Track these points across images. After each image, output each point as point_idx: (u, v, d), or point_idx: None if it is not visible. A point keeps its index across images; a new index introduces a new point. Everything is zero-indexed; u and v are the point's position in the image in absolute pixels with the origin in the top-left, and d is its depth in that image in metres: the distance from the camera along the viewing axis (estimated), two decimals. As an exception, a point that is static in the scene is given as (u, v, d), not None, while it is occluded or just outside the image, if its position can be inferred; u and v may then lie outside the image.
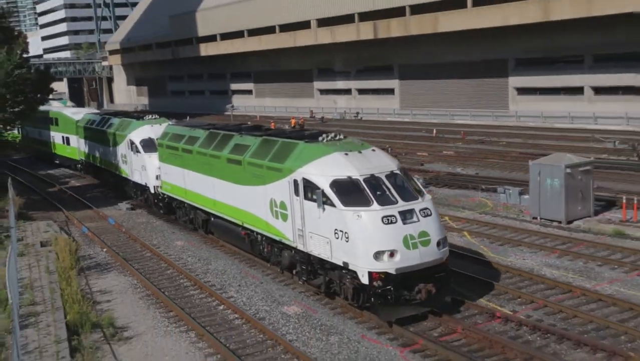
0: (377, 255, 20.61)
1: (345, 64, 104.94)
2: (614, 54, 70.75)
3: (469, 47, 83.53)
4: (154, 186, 39.18)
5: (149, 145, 40.23)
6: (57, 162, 66.29)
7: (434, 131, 74.01)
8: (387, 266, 20.63)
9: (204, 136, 32.67)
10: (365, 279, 20.84)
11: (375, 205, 21.33)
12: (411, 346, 20.88)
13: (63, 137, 61.93)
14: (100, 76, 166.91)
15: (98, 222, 40.91)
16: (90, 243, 35.94)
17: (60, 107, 73.24)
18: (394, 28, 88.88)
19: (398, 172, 23.50)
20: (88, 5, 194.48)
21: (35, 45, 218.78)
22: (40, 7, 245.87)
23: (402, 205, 21.69)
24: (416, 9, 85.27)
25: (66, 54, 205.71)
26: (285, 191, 24.59)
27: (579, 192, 32.77)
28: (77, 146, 57.90)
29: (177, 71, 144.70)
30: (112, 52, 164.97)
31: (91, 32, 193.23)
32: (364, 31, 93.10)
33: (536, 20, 72.03)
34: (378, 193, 21.94)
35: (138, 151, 40.80)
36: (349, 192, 21.98)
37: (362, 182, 22.00)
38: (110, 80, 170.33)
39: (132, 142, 41.77)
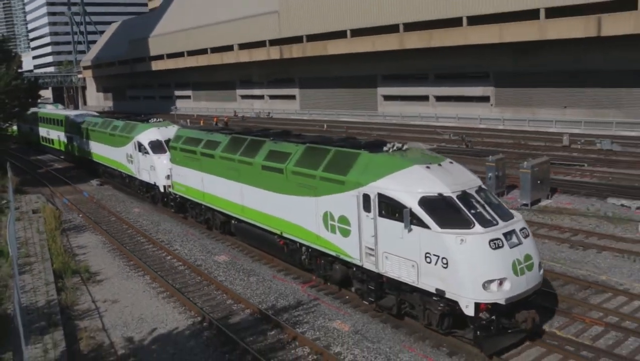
0: (486, 284, 14.47)
1: (260, 77, 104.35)
2: (448, 73, 72.64)
3: (349, 66, 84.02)
4: (164, 186, 32.16)
5: (157, 147, 33.26)
6: (62, 157, 57.35)
7: (325, 126, 74.36)
8: (497, 296, 14.51)
9: (227, 140, 25.13)
10: (470, 311, 14.60)
11: (477, 227, 14.92)
12: (309, 283, 21.18)
13: (67, 136, 52.17)
14: (77, 85, 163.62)
15: (75, 195, 39.75)
16: (70, 211, 35.02)
17: (64, 110, 63.42)
18: (295, 51, 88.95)
19: (484, 187, 17.18)
20: (67, 33, 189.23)
21: (28, 63, 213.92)
22: (32, 34, 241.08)
23: (503, 226, 15.37)
24: (310, 38, 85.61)
25: (51, 69, 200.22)
26: (348, 206, 17.55)
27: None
28: (79, 145, 48.43)
29: (134, 82, 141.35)
30: (85, 68, 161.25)
31: (70, 52, 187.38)
32: (273, 53, 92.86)
33: (395, 48, 73.28)
34: (472, 211, 15.44)
35: (147, 152, 33.51)
36: (443, 211, 15.33)
37: (456, 200, 15.48)
38: (84, 88, 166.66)
39: (139, 144, 34.33)
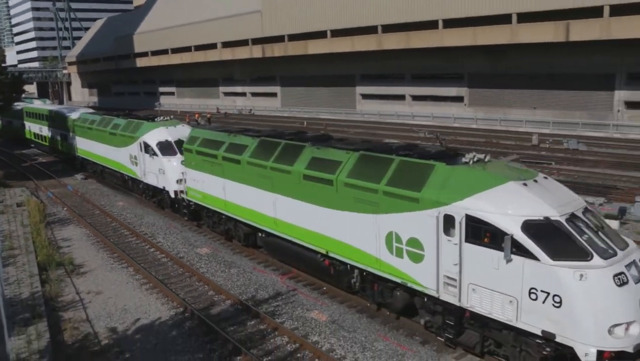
0: (612, 329, 11.63)
1: (242, 75, 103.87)
2: (424, 74, 72.99)
3: (329, 65, 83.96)
4: (175, 191, 28.50)
5: (166, 148, 29.51)
6: (55, 155, 52.48)
7: (305, 123, 74.30)
8: (624, 342, 11.67)
9: (255, 144, 21.67)
10: (591, 358, 11.71)
11: (597, 259, 12.06)
12: (288, 275, 21.24)
13: (61, 134, 47.80)
14: (62, 80, 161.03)
15: (60, 188, 39.30)
16: (54, 204, 34.62)
17: (54, 105, 56.01)
18: (277, 50, 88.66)
19: (590, 208, 14.16)
20: (52, 29, 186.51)
21: (11, 57, 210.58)
22: (16, 29, 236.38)
23: (623, 256, 12.45)
24: (292, 37, 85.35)
25: (35, 64, 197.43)
26: (422, 227, 14.38)
27: None
28: (74, 143, 44.37)
29: (119, 78, 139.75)
30: (70, 63, 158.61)
31: (54, 48, 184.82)
32: (256, 51, 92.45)
33: (374, 49, 73.40)
34: (585, 238, 12.50)
35: (154, 154, 29.80)
36: (552, 239, 12.36)
37: (566, 224, 12.52)
38: (69, 84, 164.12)
39: (146, 145, 30.64)
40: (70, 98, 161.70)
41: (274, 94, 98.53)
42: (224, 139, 23.69)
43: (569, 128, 56.71)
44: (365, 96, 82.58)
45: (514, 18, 57.83)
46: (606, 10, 51.00)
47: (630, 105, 54.87)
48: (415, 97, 75.50)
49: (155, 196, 31.94)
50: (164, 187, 29.64)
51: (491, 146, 49.46)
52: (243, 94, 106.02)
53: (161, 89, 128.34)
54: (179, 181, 27.83)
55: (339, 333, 16.35)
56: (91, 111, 47.03)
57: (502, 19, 58.68)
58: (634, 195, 29.09)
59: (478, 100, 68.03)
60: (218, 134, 24.50)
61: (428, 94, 73.59)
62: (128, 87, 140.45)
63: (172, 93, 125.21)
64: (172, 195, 28.84)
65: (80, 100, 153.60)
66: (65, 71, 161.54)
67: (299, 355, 15.26)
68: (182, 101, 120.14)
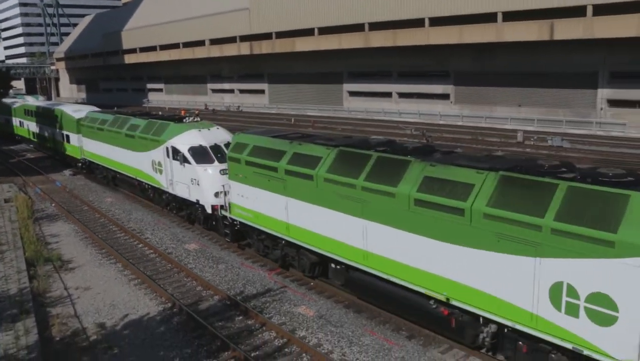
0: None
1: (230, 72, 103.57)
2: (411, 71, 73.11)
3: (316, 62, 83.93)
4: (212, 206, 24.41)
5: (201, 155, 25.24)
6: (56, 157, 47.49)
7: (292, 120, 74.31)
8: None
9: (331, 155, 17.22)
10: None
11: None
12: (275, 270, 21.24)
13: (63, 134, 43.32)
14: (50, 76, 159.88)
15: (48, 184, 39.06)
16: (42, 200, 34.40)
17: (62, 105, 47.62)
18: (264, 47, 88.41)
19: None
20: (40, 24, 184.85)
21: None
22: (3, 25, 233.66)
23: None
24: (280, 35, 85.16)
25: (23, 60, 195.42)
26: (615, 279, 10.65)
27: None
28: (80, 145, 40.10)
29: (107, 74, 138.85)
30: (58, 60, 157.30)
31: (42, 44, 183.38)
32: (244, 49, 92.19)
33: (361, 46, 73.37)
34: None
35: (186, 162, 25.56)
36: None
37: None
38: (57, 80, 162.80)
39: (174, 150, 26.39)
40: (58, 94, 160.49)
41: (261, 91, 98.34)
42: (285, 147, 19.24)
43: (553, 125, 57.11)
44: (352, 93, 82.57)
45: (499, 17, 58.03)
46: (589, 10, 51.30)
47: (613, 103, 55.30)
48: (402, 95, 75.62)
49: (182, 209, 27.92)
50: (197, 200, 25.41)
51: (477, 143, 49.69)
52: (231, 91, 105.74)
53: (149, 86, 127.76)
54: (217, 194, 24.10)
55: (326, 328, 16.39)
56: (97, 109, 43.02)
57: (488, 18, 58.87)
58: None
59: (464, 97, 68.26)
60: (276, 141, 19.99)
61: (414, 92, 73.73)
62: (116, 83, 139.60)
63: (160, 90, 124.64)
64: (208, 210, 24.77)
65: (69, 96, 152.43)
66: (53, 67, 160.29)
67: (286, 350, 15.28)
68: (170, 97, 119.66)
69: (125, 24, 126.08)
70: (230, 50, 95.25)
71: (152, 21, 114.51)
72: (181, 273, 21.40)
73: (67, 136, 42.68)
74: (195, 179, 25.24)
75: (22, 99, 66.56)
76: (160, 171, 28.38)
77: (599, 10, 50.68)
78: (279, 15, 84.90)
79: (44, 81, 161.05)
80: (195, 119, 28.79)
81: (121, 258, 22.90)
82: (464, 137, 53.65)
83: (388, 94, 77.10)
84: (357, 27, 73.54)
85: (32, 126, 53.58)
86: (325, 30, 78.27)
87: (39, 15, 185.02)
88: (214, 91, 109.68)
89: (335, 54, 78.70)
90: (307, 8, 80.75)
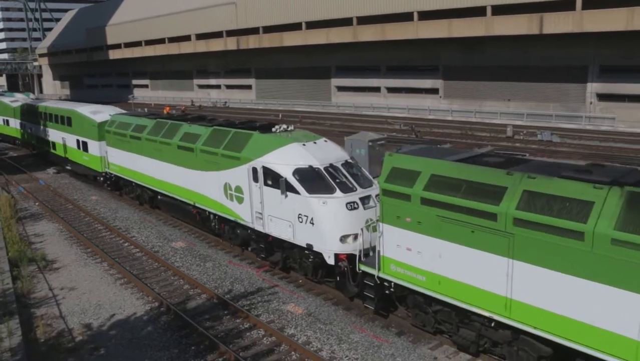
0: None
1: (217, 67, 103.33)
2: (400, 66, 73.27)
3: (304, 57, 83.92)
4: (337, 255, 17.31)
5: (314, 181, 18.13)
6: (68, 167, 39.98)
7: (280, 115, 74.21)
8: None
9: (516, 190, 12.32)
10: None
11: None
12: (263, 268, 21.26)
13: (78, 141, 36.11)
14: (32, 73, 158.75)
15: (31, 183, 38.79)
16: (26, 199, 34.16)
17: (74, 104, 40.84)
18: (252, 42, 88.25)
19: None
20: (22, 19, 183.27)
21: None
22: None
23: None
24: (267, 29, 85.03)
25: (4, 56, 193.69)
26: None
27: (378, 159, 33.36)
28: (101, 155, 33.29)
29: (91, 70, 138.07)
30: (41, 55, 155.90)
31: (24, 39, 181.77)
32: (230, 43, 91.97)
33: (349, 41, 73.41)
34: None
35: (291, 190, 18.29)
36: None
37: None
38: (40, 76, 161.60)
39: (269, 173, 19.18)
40: (41, 91, 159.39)
41: (248, 87, 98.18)
42: (507, 182, 12.65)
43: (542, 120, 57.48)
44: (340, 88, 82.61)
45: (489, 10, 58.24)
46: (579, 4, 51.60)
47: (602, 97, 55.72)
48: (391, 90, 75.78)
49: (272, 252, 20.82)
50: (308, 245, 18.20)
51: (466, 138, 49.89)
52: (217, 87, 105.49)
53: (134, 82, 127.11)
54: (343, 239, 17.27)
55: (315, 326, 16.44)
56: (120, 110, 36.95)
57: (477, 12, 59.06)
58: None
59: (453, 92, 68.49)
60: (487, 170, 13.24)
61: (403, 86, 73.92)
62: (101, 79, 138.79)
63: (145, 86, 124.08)
64: (329, 260, 17.66)
65: (52, 93, 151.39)
66: (35, 63, 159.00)
67: (275, 348, 15.31)
68: (156, 93, 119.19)
69: (110, 19, 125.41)
70: (216, 45, 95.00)
71: (137, 16, 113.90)
72: (168, 272, 21.36)
73: (84, 144, 35.47)
74: (306, 216, 18.03)
75: (10, 97, 62.28)
76: (240, 200, 21.14)
77: (589, 3, 50.99)
78: (266, 9, 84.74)
79: (27, 77, 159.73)
80: (288, 128, 21.86)
81: (107, 257, 22.80)
82: (453, 132, 53.87)
83: (377, 89, 77.25)
84: (346, 22, 73.54)
85: (35, 130, 46.00)
86: (313, 25, 78.23)
87: (20, 9, 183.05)
88: (200, 86, 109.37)
89: (323, 48, 78.70)
90: (294, 2, 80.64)
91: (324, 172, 18.29)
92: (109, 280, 20.66)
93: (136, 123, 29.42)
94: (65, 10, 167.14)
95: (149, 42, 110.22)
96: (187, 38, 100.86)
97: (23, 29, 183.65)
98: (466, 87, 66.94)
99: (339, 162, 19.02)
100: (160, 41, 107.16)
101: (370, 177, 19.43)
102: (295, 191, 18.22)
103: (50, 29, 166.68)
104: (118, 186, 33.28)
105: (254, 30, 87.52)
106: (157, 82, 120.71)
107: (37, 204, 32.72)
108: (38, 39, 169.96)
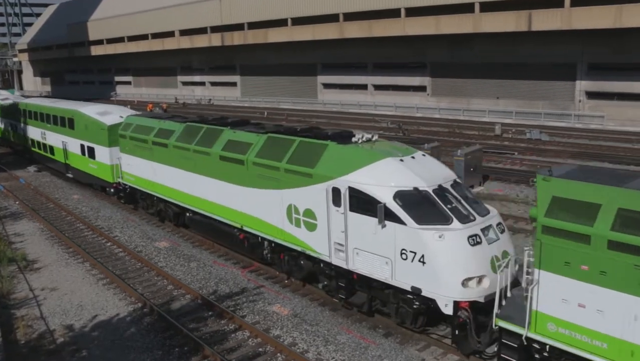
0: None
1: (201, 64, 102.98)
2: (387, 63, 73.46)
3: (290, 54, 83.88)
4: (457, 303, 13.86)
5: (420, 206, 14.65)
6: (69, 175, 36.13)
7: (265, 113, 74.21)
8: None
9: None
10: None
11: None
12: (249, 268, 21.28)
13: (83, 146, 32.58)
14: (12, 69, 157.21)
15: (11, 181, 38.54)
16: (6, 198, 33.94)
17: (76, 104, 37.05)
18: (236, 38, 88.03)
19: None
20: (1, 14, 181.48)
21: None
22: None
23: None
24: (252, 25, 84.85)
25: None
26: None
27: (474, 172, 31.50)
28: (112, 163, 29.75)
29: (73, 66, 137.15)
30: (21, 51, 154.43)
31: (4, 34, 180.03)
32: (215, 40, 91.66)
33: (335, 37, 73.36)
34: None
35: (391, 218, 14.61)
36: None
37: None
38: (20, 72, 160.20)
39: (358, 195, 15.43)
40: (22, 87, 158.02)
41: (233, 84, 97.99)
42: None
43: (531, 118, 57.92)
44: (326, 86, 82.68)
45: (477, 7, 58.53)
46: (567, 1, 52.02)
47: (591, 95, 56.20)
48: (378, 87, 75.95)
49: (352, 291, 16.95)
50: (415, 289, 14.48)
51: (454, 136, 50.15)
52: (202, 84, 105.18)
53: (117, 78, 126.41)
54: (466, 282, 13.78)
55: (301, 327, 16.48)
56: (133, 111, 33.50)
57: (465, 8, 59.30)
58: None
59: (441, 90, 68.77)
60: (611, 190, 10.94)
61: (390, 84, 74.13)
62: (82, 76, 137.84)
63: (128, 82, 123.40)
64: (445, 309, 14.08)
65: (33, 89, 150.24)
66: (15, 59, 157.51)
67: (260, 349, 15.34)
68: (139, 90, 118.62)
69: (92, 14, 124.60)
70: (200, 41, 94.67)
71: (119, 11, 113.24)
72: (152, 272, 21.33)
73: (90, 150, 31.97)
74: (413, 252, 14.35)
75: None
76: (310, 226, 17.32)
77: (577, 1, 51.41)
78: (251, 5, 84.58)
79: (6, 73, 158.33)
80: (373, 138, 17.84)
81: (89, 257, 22.72)
82: (441, 131, 54.12)
83: (363, 86, 77.37)
84: (332, 18, 73.52)
85: (32, 132, 41.79)
86: (298, 21, 78.18)
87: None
88: (184, 83, 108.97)
89: (309, 45, 78.67)
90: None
91: (433, 196, 14.82)
92: (91, 280, 20.59)
93: (159, 127, 25.60)
94: (46, 5, 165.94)
95: (132, 38, 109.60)
96: (170, 34, 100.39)
97: (2, 24, 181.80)
98: (454, 85, 67.25)
99: (447, 182, 15.64)
100: (144, 37, 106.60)
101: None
102: (398, 220, 14.53)
103: (30, 24, 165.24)
104: (134, 198, 29.56)
105: (239, 27, 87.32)
106: (140, 79, 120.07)
107: (17, 203, 32.51)
108: (18, 35, 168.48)
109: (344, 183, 15.81)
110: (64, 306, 18.42)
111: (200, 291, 19.12)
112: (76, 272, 21.54)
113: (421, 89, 70.86)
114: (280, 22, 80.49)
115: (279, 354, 15.09)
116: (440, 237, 13.89)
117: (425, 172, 15.54)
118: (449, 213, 14.45)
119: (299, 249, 17.99)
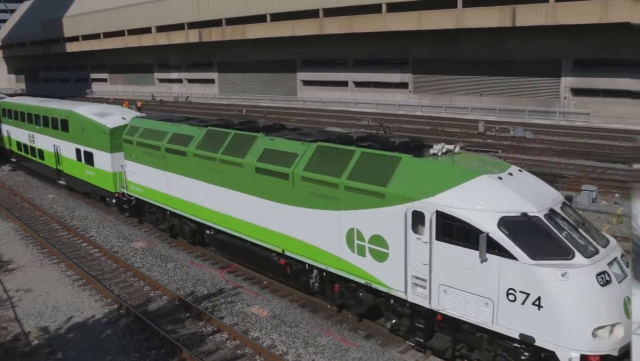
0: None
1: (179, 60, 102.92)
2: (368, 59, 73.92)
3: (268, 50, 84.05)
4: (585, 356, 11.30)
5: (531, 236, 12.05)
6: (61, 182, 33.68)
7: (244, 111, 74.17)
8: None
9: None
10: None
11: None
12: (227, 269, 21.41)
13: (80, 151, 29.87)
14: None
15: (-17, 181, 38.31)
16: (-23, 198, 33.76)
17: (70, 103, 34.82)
18: (214, 34, 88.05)
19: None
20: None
21: None
22: None
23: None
24: (230, 21, 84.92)
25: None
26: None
27: None
28: (115, 171, 27.08)
29: (48, 63, 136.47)
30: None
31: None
32: (192, 36, 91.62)
33: (315, 33, 73.72)
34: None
35: (496, 250, 12.06)
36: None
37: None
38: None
39: (447, 221, 12.84)
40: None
41: (211, 81, 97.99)
42: None
43: (515, 115, 58.57)
44: (306, 82, 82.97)
45: (460, 2, 59.06)
46: (551, -4, 52.75)
47: (577, 92, 56.97)
48: (359, 84, 76.37)
49: (431, 334, 14.44)
50: (526, 337, 12.14)
51: (437, 134, 50.53)
52: (179, 81, 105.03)
53: (93, 75, 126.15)
54: (596, 332, 11.44)
55: (281, 329, 16.62)
56: (137, 113, 32.05)
57: (448, 3, 59.86)
58: (580, 183, 30.45)
59: (423, 86, 69.30)
60: None
61: (371, 80, 74.57)
62: (58, 73, 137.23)
63: (104, 80, 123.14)
64: None
65: (7, 87, 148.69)
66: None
67: (239, 351, 15.47)
68: (115, 87, 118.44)
69: (67, 10, 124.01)
70: (178, 37, 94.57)
71: (95, 7, 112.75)
72: (128, 273, 21.36)
73: (87, 155, 29.33)
74: (525, 293, 11.95)
75: None
76: (379, 256, 14.78)
77: (561, -4, 52.12)
78: (229, 1, 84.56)
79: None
80: (456, 148, 15.33)
81: (64, 257, 22.69)
82: (423, 128, 54.52)
83: (344, 83, 77.75)
84: (311, 13, 73.86)
85: (17, 134, 39.16)
86: (277, 17, 78.39)
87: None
88: (162, 80, 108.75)
89: (288, 41, 78.85)
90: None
91: (547, 223, 12.33)
92: (67, 281, 20.59)
93: (174, 132, 22.84)
94: (21, 1, 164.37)
95: (108, 35, 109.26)
96: (147, 30, 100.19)
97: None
98: (437, 82, 67.80)
99: (557, 204, 13.27)
100: (120, 33, 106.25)
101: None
102: (505, 254, 12.11)
103: (4, 21, 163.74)
104: (140, 211, 27.07)
105: (216, 23, 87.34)
106: (116, 76, 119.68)
107: (-12, 203, 32.36)
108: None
109: (429, 206, 13.24)
110: (38, 307, 18.42)
111: (178, 292, 19.20)
112: (51, 273, 21.52)
113: (403, 85, 71.39)
114: (259, 18, 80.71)
115: (257, 356, 15.22)
116: (563, 275, 11.54)
117: (530, 192, 13.16)
118: (569, 244, 12.07)
119: (362, 282, 15.42)
